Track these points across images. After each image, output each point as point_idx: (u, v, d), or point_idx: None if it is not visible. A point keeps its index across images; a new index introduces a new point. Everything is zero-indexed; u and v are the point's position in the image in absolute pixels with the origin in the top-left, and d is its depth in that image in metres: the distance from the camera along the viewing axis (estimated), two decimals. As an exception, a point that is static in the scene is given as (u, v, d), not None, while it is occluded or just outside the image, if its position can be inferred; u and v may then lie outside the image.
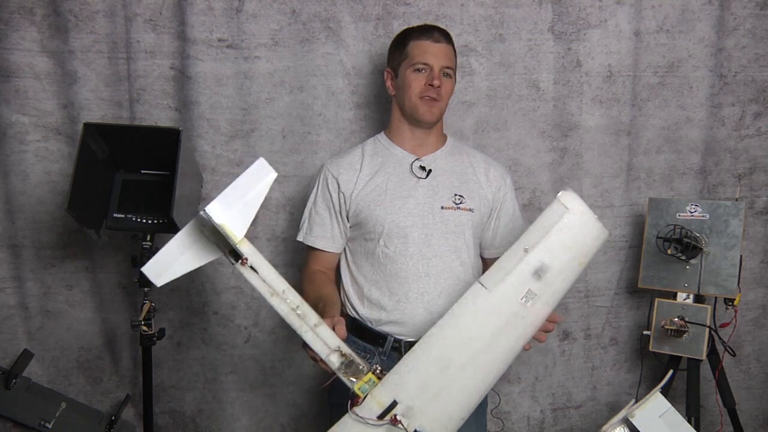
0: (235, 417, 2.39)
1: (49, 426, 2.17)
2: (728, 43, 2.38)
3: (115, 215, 1.99)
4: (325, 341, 1.38)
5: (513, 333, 1.44)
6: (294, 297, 1.37)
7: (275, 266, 2.33)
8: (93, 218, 1.94)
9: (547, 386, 2.50)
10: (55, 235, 2.27)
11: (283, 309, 1.37)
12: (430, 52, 1.77)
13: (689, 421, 1.93)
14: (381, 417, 1.37)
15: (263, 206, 2.27)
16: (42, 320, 2.31)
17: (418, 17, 2.20)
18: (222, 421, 2.39)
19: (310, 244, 1.85)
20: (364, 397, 1.37)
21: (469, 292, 1.42)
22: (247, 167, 2.30)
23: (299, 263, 2.27)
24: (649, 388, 2.23)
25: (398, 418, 1.37)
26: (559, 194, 1.43)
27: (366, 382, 1.37)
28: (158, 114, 2.23)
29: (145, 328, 1.99)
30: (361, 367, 1.38)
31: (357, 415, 1.36)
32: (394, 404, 1.37)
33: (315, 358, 1.40)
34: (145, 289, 1.95)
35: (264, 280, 1.37)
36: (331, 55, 2.23)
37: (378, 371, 1.39)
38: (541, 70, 2.32)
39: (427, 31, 1.81)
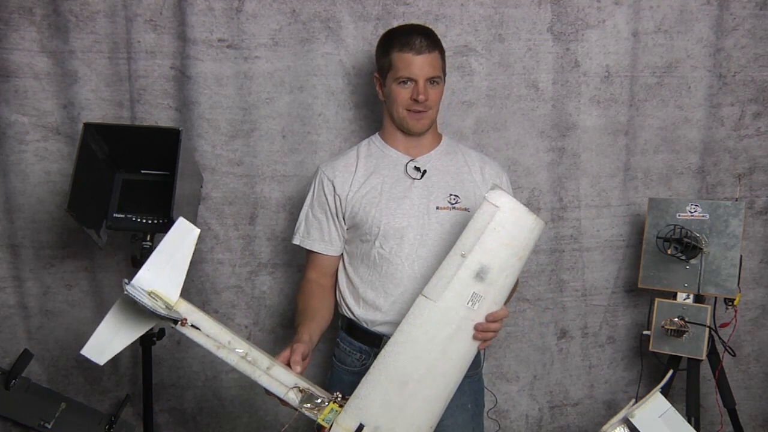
0: (235, 415, 2.39)
1: (49, 426, 2.17)
2: (727, 44, 2.38)
3: (115, 215, 2.00)
4: (281, 381, 1.39)
5: (465, 337, 1.46)
6: (241, 345, 1.38)
7: (274, 266, 2.37)
8: (93, 218, 1.95)
9: (545, 384, 2.50)
10: (55, 235, 2.27)
11: (232, 359, 1.38)
12: (413, 64, 1.73)
13: (689, 421, 1.93)
14: None
15: (263, 206, 2.30)
16: (41, 320, 2.31)
17: (418, 17, 2.20)
18: (222, 418, 2.39)
19: (307, 247, 1.85)
20: (330, 427, 1.38)
21: (414, 306, 1.44)
22: (246, 166, 2.31)
23: (299, 263, 2.28)
24: (648, 388, 2.24)
25: None
26: (487, 194, 1.44)
27: (329, 412, 1.39)
28: (159, 114, 2.23)
29: (145, 328, 1.98)
30: (320, 400, 1.39)
31: None
32: (361, 427, 1.39)
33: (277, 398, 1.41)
34: (146, 289, 1.95)
35: (208, 335, 1.37)
36: (331, 55, 2.23)
37: (339, 398, 1.41)
38: (540, 71, 2.32)
39: (409, 39, 1.75)
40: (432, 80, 1.77)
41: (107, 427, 2.24)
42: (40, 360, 2.31)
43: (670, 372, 2.12)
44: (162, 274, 1.34)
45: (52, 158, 2.23)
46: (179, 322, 1.35)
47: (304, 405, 1.39)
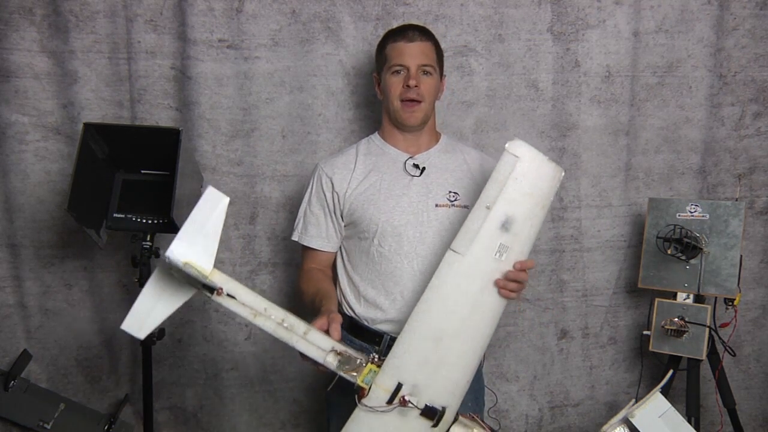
0: (236, 413, 2.40)
1: (48, 427, 2.17)
2: (728, 43, 2.38)
3: (115, 215, 2.00)
4: (319, 345, 1.39)
5: (495, 290, 1.47)
6: (277, 312, 1.38)
7: (275, 265, 2.37)
8: (93, 218, 1.95)
9: (545, 385, 2.50)
10: (55, 235, 2.27)
11: (269, 326, 1.38)
12: (405, 52, 1.76)
13: (689, 421, 1.93)
14: (390, 402, 1.39)
15: (263, 206, 2.30)
16: (41, 319, 2.32)
17: (418, 17, 2.20)
18: (223, 416, 2.40)
19: (305, 243, 1.85)
20: (369, 388, 1.39)
21: (443, 261, 1.45)
22: (246, 166, 2.32)
23: (298, 262, 2.28)
24: (649, 388, 2.24)
25: (406, 398, 1.39)
26: (507, 145, 1.46)
27: (368, 373, 1.39)
28: (159, 114, 2.24)
29: (145, 328, 1.98)
30: (359, 361, 1.40)
31: (366, 406, 1.39)
32: (399, 386, 1.40)
33: (311, 363, 1.41)
34: (145, 289, 1.96)
35: (244, 304, 1.38)
36: (331, 55, 2.24)
37: (376, 360, 1.41)
38: (540, 71, 2.32)
39: (402, 31, 1.80)
40: (425, 70, 1.77)
41: (106, 427, 2.24)
42: (39, 359, 2.32)
43: (670, 372, 2.12)
44: (195, 245, 1.32)
45: (52, 158, 2.23)
46: (215, 292, 1.35)
47: (343, 367, 1.39)
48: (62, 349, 2.35)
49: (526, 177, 1.45)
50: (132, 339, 2.30)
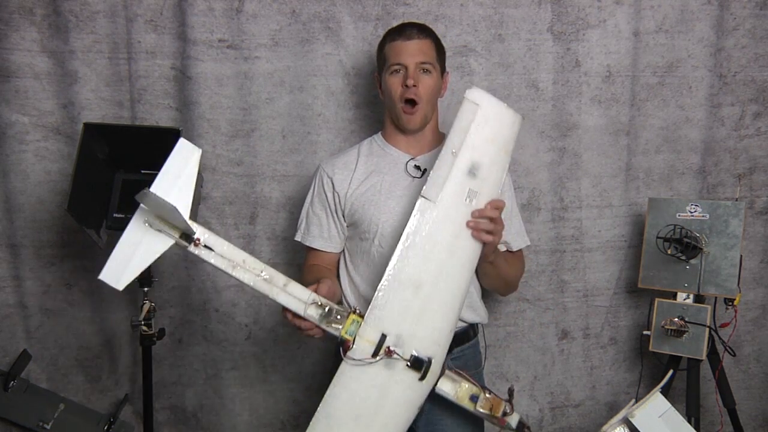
0: (236, 412, 2.40)
1: (48, 427, 2.17)
2: (728, 43, 2.38)
3: (115, 215, 2.00)
4: (299, 297, 1.38)
5: (468, 234, 1.49)
6: (256, 264, 1.38)
7: (275, 265, 2.35)
8: (93, 218, 1.95)
9: (545, 385, 2.49)
10: (55, 234, 2.27)
11: (248, 278, 1.37)
12: (403, 51, 1.76)
13: (689, 421, 1.93)
14: (375, 354, 1.38)
15: (263, 206, 2.30)
16: (41, 319, 2.32)
17: (418, 17, 2.20)
18: (223, 416, 2.40)
19: (307, 244, 1.86)
20: (354, 340, 1.38)
21: (416, 209, 1.46)
22: (246, 166, 2.31)
23: (299, 262, 2.28)
24: (649, 388, 2.24)
25: (392, 349, 1.39)
26: (466, 93, 1.49)
27: (351, 324, 1.38)
28: (159, 114, 2.24)
29: (145, 328, 1.99)
30: (340, 312, 1.39)
31: (352, 358, 1.38)
32: (383, 338, 1.39)
33: (296, 320, 1.40)
34: (145, 289, 1.96)
35: (222, 256, 1.36)
36: (331, 55, 2.23)
37: (358, 311, 1.41)
38: (540, 70, 2.32)
39: (400, 30, 1.80)
40: (423, 68, 1.76)
41: (106, 427, 2.24)
42: (39, 359, 2.32)
43: (670, 372, 2.12)
44: (169, 198, 1.31)
45: (52, 158, 2.24)
46: (192, 243, 1.33)
47: (325, 320, 1.37)
48: (62, 349, 2.35)
49: (488, 123, 1.50)
50: (132, 339, 2.32)
